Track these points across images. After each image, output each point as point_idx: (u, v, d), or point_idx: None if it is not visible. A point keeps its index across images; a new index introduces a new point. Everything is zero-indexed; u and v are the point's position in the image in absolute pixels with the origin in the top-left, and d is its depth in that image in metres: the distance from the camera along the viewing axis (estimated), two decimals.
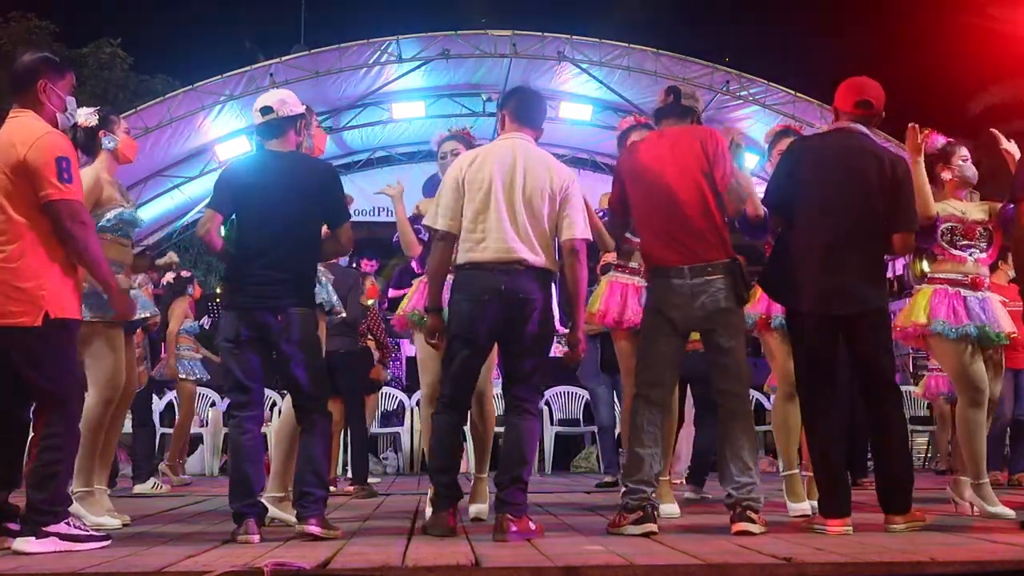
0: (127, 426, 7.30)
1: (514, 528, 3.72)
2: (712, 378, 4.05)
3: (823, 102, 11.97)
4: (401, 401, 9.68)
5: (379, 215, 13.67)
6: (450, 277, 4.06)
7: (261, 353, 3.94)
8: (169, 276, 8.13)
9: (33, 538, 3.45)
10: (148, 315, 4.67)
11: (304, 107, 4.26)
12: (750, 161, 11.59)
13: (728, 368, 3.97)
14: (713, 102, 11.95)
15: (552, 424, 9.46)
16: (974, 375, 4.54)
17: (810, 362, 4.04)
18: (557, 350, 5.19)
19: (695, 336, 4.24)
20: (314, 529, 3.74)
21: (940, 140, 4.79)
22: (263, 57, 13.01)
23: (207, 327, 8.55)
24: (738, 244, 4.11)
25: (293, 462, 4.41)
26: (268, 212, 3.95)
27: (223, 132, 12.56)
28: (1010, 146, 4.68)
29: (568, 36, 12.39)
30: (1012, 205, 4.23)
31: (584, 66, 12.51)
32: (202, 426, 9.46)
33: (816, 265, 3.96)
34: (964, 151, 4.78)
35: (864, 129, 4.11)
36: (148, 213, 12.81)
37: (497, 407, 6.98)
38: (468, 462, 6.31)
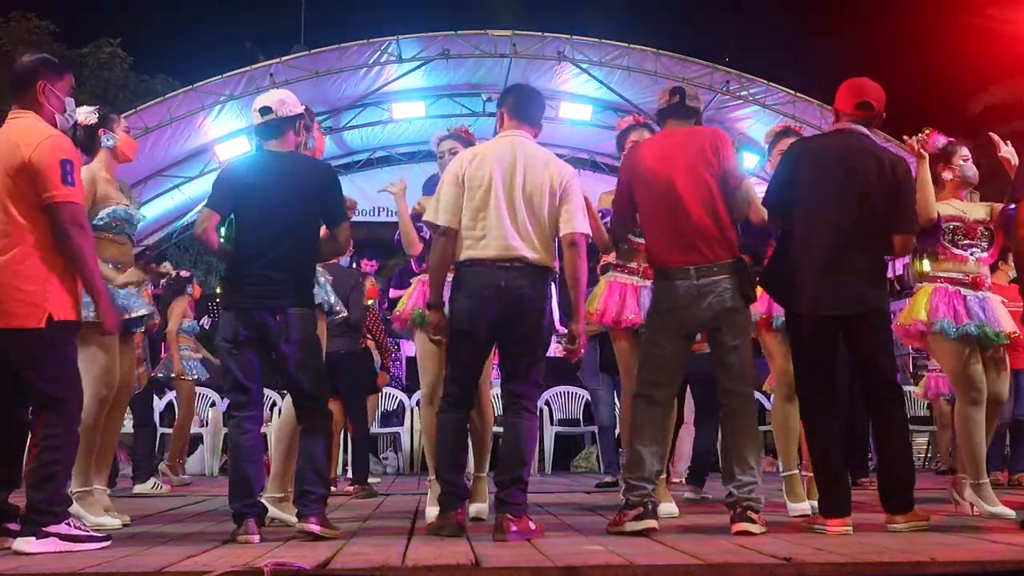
0: (128, 426, 7.32)
1: (514, 528, 3.72)
2: (717, 377, 4.05)
3: (823, 102, 11.96)
4: (401, 401, 9.68)
5: (379, 215, 13.67)
6: (450, 275, 4.07)
7: (260, 353, 3.94)
8: (169, 276, 8.15)
9: (33, 538, 3.45)
10: (144, 313, 4.66)
11: (303, 107, 4.27)
12: (750, 161, 11.63)
13: (733, 367, 3.98)
14: (713, 102, 11.94)
15: (552, 424, 9.46)
16: (973, 375, 4.54)
17: (809, 362, 4.05)
18: (557, 350, 5.19)
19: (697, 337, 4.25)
20: (314, 527, 3.74)
21: (941, 140, 4.79)
22: (263, 57, 13.00)
23: (207, 327, 8.55)
24: (740, 245, 4.12)
25: (293, 462, 4.41)
26: (267, 212, 3.95)
27: (223, 132, 12.55)
28: (1008, 152, 4.67)
29: (568, 36, 12.38)
30: (1013, 206, 4.23)
31: (584, 66, 12.50)
32: (202, 426, 9.46)
33: (816, 266, 3.96)
34: (965, 151, 4.79)
35: (865, 130, 4.11)
36: (148, 213, 12.78)
37: (496, 407, 6.99)
38: (468, 461, 6.31)
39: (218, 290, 9.25)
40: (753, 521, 3.78)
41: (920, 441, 10.09)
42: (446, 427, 4.00)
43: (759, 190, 4.38)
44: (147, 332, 5.55)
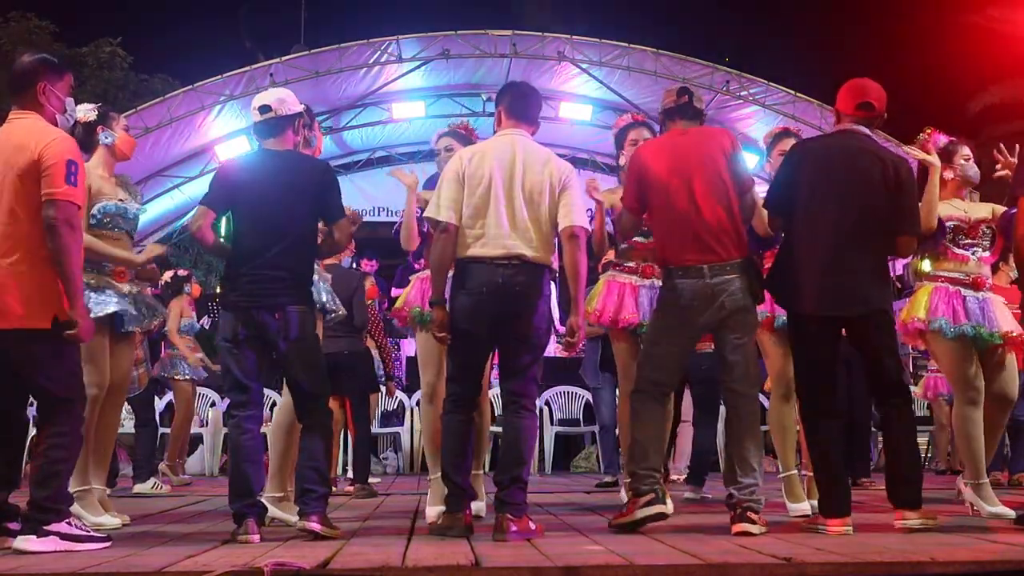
0: (128, 426, 7.32)
1: (514, 528, 3.72)
2: (720, 376, 4.06)
3: (823, 102, 11.96)
4: (401, 401, 9.68)
5: (379, 215, 13.67)
6: (450, 273, 4.07)
7: (259, 352, 3.94)
8: (167, 275, 8.16)
9: (34, 536, 3.45)
10: (157, 321, 4.69)
11: (303, 106, 4.27)
12: (750, 161, 11.59)
13: (737, 367, 4.00)
14: (713, 102, 11.93)
15: (552, 424, 9.46)
16: (970, 375, 4.55)
17: (811, 363, 4.05)
18: (557, 349, 5.19)
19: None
20: (315, 526, 3.74)
21: (942, 139, 4.79)
22: (263, 57, 13.00)
23: (207, 327, 8.55)
24: None
25: (290, 461, 4.42)
26: (265, 210, 3.95)
27: (223, 132, 12.55)
28: (1003, 174, 4.67)
29: (568, 36, 12.39)
30: (1013, 210, 4.24)
31: (584, 66, 12.51)
32: (202, 426, 9.46)
33: (819, 267, 3.96)
34: (966, 150, 4.79)
35: (866, 131, 4.10)
36: (148, 213, 12.80)
37: (495, 407, 6.99)
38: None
39: (218, 290, 9.26)
40: (753, 521, 3.79)
41: (920, 441, 10.07)
42: (450, 429, 3.99)
43: (760, 190, 4.39)
44: (147, 333, 5.55)
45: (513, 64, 12.44)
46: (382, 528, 4.29)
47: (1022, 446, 7.60)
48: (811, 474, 4.74)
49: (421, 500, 5.21)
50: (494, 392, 6.62)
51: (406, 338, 10.17)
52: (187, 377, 8.02)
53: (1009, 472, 7.52)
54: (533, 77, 12.62)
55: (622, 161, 4.82)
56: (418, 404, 8.96)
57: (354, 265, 7.90)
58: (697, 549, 3.27)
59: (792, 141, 4.83)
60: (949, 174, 4.71)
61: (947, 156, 4.72)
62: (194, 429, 8.84)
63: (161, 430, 8.26)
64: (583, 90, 13.07)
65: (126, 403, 5.80)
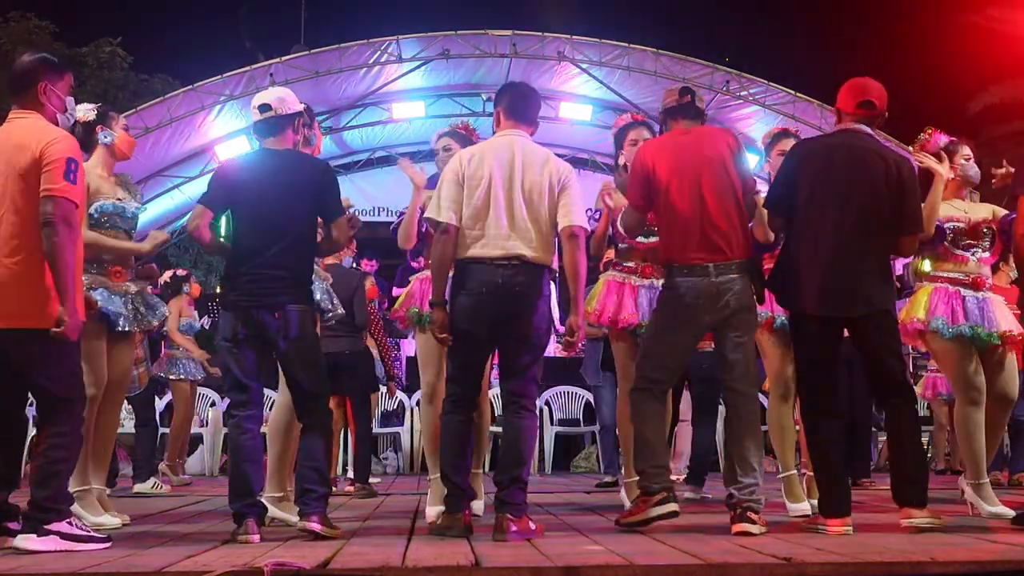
0: (128, 425, 7.33)
1: (514, 528, 3.73)
2: (721, 375, 4.07)
3: (823, 102, 11.96)
4: (401, 401, 9.68)
5: (379, 215, 13.67)
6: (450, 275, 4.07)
7: (259, 352, 3.94)
8: (167, 275, 8.17)
9: (34, 535, 3.46)
10: (157, 321, 4.70)
11: (303, 105, 4.27)
12: (750, 161, 11.62)
13: (738, 366, 4.01)
14: (713, 102, 11.93)
15: (552, 424, 9.46)
16: (970, 375, 4.55)
17: (812, 363, 4.04)
18: (557, 349, 5.20)
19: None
20: (315, 526, 3.74)
21: (942, 139, 4.79)
22: (263, 57, 13.00)
23: (207, 327, 8.56)
24: None
25: (288, 460, 4.42)
26: (264, 209, 3.95)
27: (223, 132, 12.56)
28: (1004, 175, 4.67)
29: (568, 36, 12.39)
30: (1013, 215, 4.24)
31: (584, 66, 12.51)
32: (202, 426, 9.46)
33: (822, 267, 3.94)
34: (967, 150, 4.78)
35: (868, 130, 4.09)
36: (148, 213, 12.80)
37: (495, 407, 6.99)
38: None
39: (218, 290, 9.27)
40: (753, 521, 3.79)
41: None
42: (450, 429, 3.99)
43: (759, 190, 4.40)
44: (147, 331, 5.55)
45: (513, 64, 12.44)
46: (382, 528, 4.29)
47: (1022, 446, 7.60)
48: (810, 473, 4.75)
49: (421, 500, 5.21)
50: (494, 392, 6.62)
51: (406, 338, 10.18)
52: (185, 377, 8.03)
53: (1009, 472, 7.52)
54: (533, 77, 12.62)
55: (621, 161, 4.81)
56: (418, 404, 8.96)
57: (354, 265, 7.90)
58: (697, 549, 3.27)
59: (791, 141, 4.83)
60: (950, 174, 4.71)
61: (948, 156, 4.72)
62: (194, 429, 8.85)
63: (161, 430, 8.27)
64: (583, 90, 13.07)
65: (126, 403, 5.81)
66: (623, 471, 4.92)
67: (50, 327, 3.50)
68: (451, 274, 4.03)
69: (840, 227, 3.94)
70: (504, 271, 3.88)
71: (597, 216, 4.72)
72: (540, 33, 12.37)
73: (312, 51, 12.37)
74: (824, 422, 4.00)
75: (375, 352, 7.77)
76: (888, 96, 4.16)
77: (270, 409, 5.11)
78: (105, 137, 4.63)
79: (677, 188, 4.05)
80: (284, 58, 12.18)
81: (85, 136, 4.54)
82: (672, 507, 3.95)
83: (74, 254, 3.59)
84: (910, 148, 4.86)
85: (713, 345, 4.20)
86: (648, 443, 4.05)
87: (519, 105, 4.16)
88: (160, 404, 8.42)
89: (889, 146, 4.28)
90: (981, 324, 4.54)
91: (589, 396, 9.35)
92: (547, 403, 9.35)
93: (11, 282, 3.53)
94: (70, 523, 3.55)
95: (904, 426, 3.97)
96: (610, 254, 5.00)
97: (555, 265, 4.08)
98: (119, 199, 4.57)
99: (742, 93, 12.49)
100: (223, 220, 4.51)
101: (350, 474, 7.02)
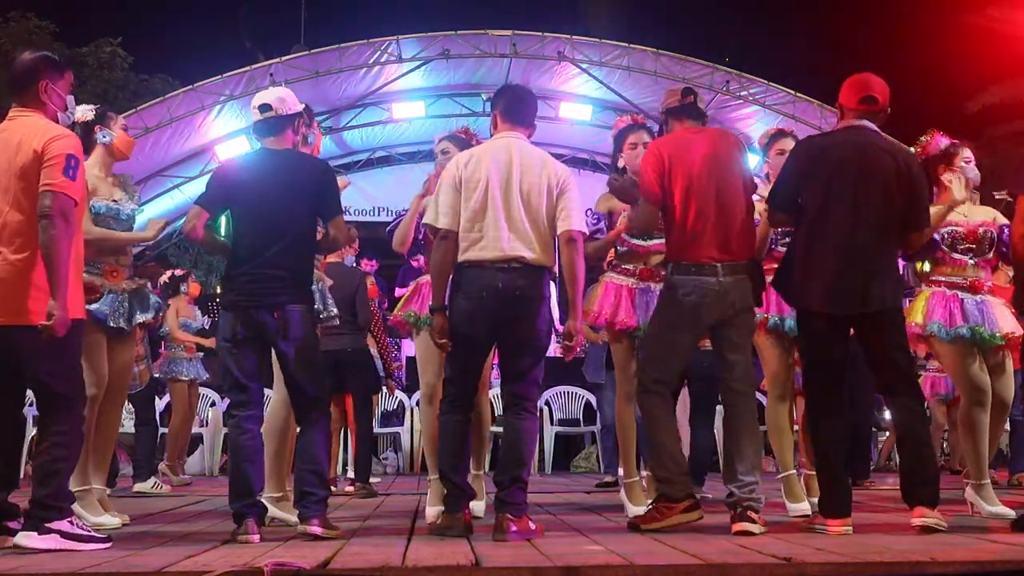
0: (128, 425, 7.33)
1: (514, 528, 3.73)
2: (720, 375, 4.08)
3: (823, 102, 11.97)
4: (401, 401, 9.69)
5: (379, 215, 13.69)
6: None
7: (259, 352, 3.94)
8: (165, 275, 8.18)
9: (35, 533, 3.46)
10: (150, 317, 4.69)
11: (303, 106, 4.27)
12: (750, 161, 11.64)
13: (739, 366, 4.02)
14: (713, 102, 11.94)
15: (552, 424, 9.47)
16: (974, 376, 4.56)
17: (821, 362, 4.01)
18: (557, 349, 5.19)
19: None
20: (316, 529, 3.74)
21: (943, 141, 4.79)
22: (263, 57, 13.01)
23: (206, 327, 8.58)
24: None
25: (284, 460, 4.42)
26: (263, 209, 3.94)
27: (223, 132, 12.57)
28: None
29: (568, 36, 12.40)
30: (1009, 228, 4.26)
31: (584, 66, 12.51)
32: (202, 426, 9.47)
33: (835, 264, 3.91)
34: (967, 152, 4.78)
35: (873, 126, 4.05)
36: (148, 213, 12.78)
37: (496, 407, 6.99)
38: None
39: (218, 289, 9.27)
40: (753, 521, 3.79)
41: None
42: (447, 429, 4.00)
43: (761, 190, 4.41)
44: (145, 327, 5.56)
45: (513, 64, 12.44)
46: (382, 528, 4.29)
47: (1022, 446, 7.61)
48: (808, 472, 4.76)
49: (421, 500, 5.21)
50: (494, 392, 6.62)
51: (406, 338, 10.18)
52: (183, 378, 8.04)
53: (1009, 472, 7.52)
54: (533, 77, 12.63)
55: (620, 163, 4.81)
56: (418, 404, 8.97)
57: (355, 265, 7.91)
58: (697, 549, 3.27)
59: (789, 140, 4.83)
60: (949, 176, 4.71)
61: (948, 159, 4.71)
62: (194, 429, 8.86)
63: (161, 430, 8.28)
64: (583, 90, 13.08)
65: (126, 402, 5.80)
66: (622, 471, 4.92)
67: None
68: (451, 277, 4.04)
69: (853, 225, 3.91)
70: (504, 274, 3.88)
71: (597, 218, 4.72)
72: (540, 33, 12.37)
73: (312, 51, 12.38)
74: (827, 421, 3.99)
75: (374, 351, 7.78)
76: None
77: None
78: (104, 137, 4.63)
79: (690, 186, 4.04)
80: (284, 58, 12.19)
81: (84, 136, 4.53)
82: (698, 514, 3.98)
83: (70, 250, 3.58)
84: (912, 150, 4.86)
85: (711, 344, 4.21)
86: (667, 449, 4.04)
87: (516, 107, 4.16)
88: (160, 404, 8.43)
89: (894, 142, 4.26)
90: (982, 325, 4.54)
91: (589, 396, 9.36)
92: (547, 403, 9.36)
93: (15, 279, 3.54)
94: (71, 522, 3.55)
95: (916, 424, 3.93)
96: (610, 255, 4.99)
97: (555, 266, 4.07)
98: (115, 200, 4.56)
99: (742, 93, 12.50)
100: (223, 220, 4.51)
101: (350, 474, 7.02)
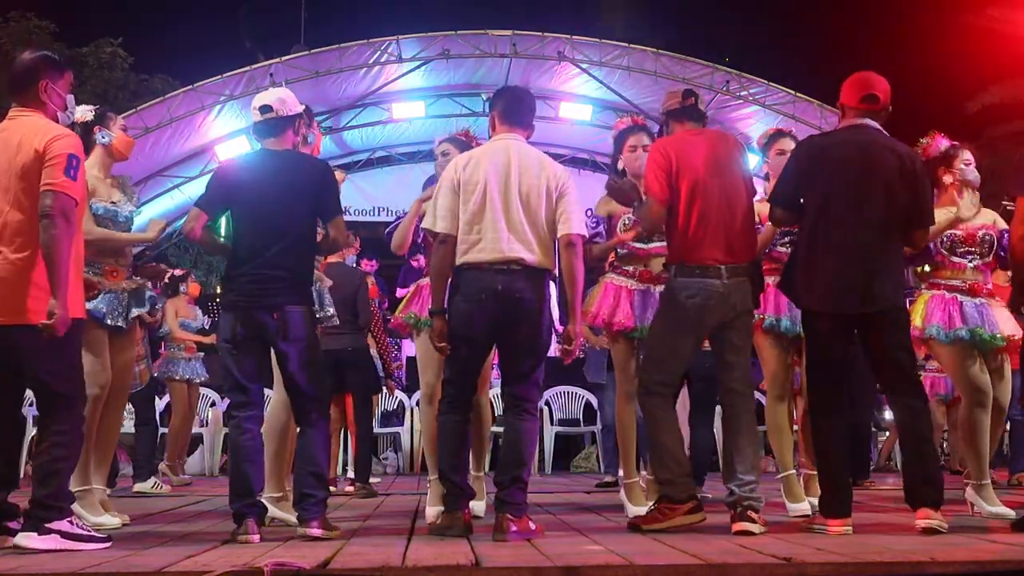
0: (128, 425, 7.33)
1: (514, 528, 3.73)
2: (719, 376, 4.09)
3: (823, 102, 11.97)
4: (401, 401, 9.68)
5: (379, 215, 13.69)
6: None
7: (259, 353, 3.94)
8: (165, 276, 8.18)
9: (35, 534, 3.46)
10: (145, 311, 4.68)
11: (303, 106, 4.27)
12: (750, 162, 11.64)
13: (739, 367, 4.04)
14: (713, 102, 11.93)
15: (552, 424, 9.47)
16: (975, 377, 4.56)
17: (825, 362, 3.99)
18: (557, 349, 5.20)
19: None
20: (316, 532, 3.73)
21: (943, 143, 4.79)
22: (263, 57, 13.01)
23: (206, 327, 8.59)
24: None
25: (284, 460, 4.41)
26: (262, 210, 3.94)
27: (223, 132, 12.56)
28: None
29: (568, 36, 12.39)
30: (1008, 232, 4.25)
31: (584, 66, 12.51)
32: (202, 426, 9.47)
33: (835, 264, 3.90)
34: (967, 154, 4.77)
35: (876, 124, 4.04)
36: (148, 213, 12.77)
37: (496, 407, 6.99)
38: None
39: (218, 289, 9.27)
40: (753, 521, 3.79)
41: None
42: (446, 429, 4.00)
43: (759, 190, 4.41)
44: (145, 325, 5.55)
45: (513, 64, 12.44)
46: (382, 528, 4.29)
47: (1022, 446, 7.60)
48: (807, 472, 4.76)
49: (421, 500, 5.21)
50: (494, 392, 6.62)
51: (406, 338, 10.18)
52: (182, 378, 8.05)
53: (1009, 472, 7.52)
54: (533, 77, 12.63)
55: (620, 165, 4.81)
56: (418, 404, 8.96)
57: (356, 265, 7.91)
58: (697, 549, 3.27)
59: (788, 140, 4.84)
60: (948, 178, 4.71)
61: (947, 160, 4.71)
62: (194, 429, 8.86)
63: (161, 430, 8.28)
64: (583, 90, 13.07)
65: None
66: (622, 472, 4.92)
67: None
68: (450, 279, 4.04)
69: (855, 224, 3.89)
70: (503, 276, 3.88)
71: (596, 221, 4.73)
72: (540, 33, 12.37)
73: (312, 51, 12.38)
74: (828, 421, 3.98)
75: (373, 352, 7.78)
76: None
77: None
78: (103, 138, 4.62)
79: (695, 188, 4.04)
80: (284, 58, 12.19)
81: (83, 137, 4.53)
82: (701, 516, 3.99)
83: (70, 249, 3.58)
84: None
85: (709, 346, 4.21)
86: (669, 451, 4.05)
87: (514, 109, 4.16)
88: (160, 404, 8.44)
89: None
90: (982, 326, 4.54)
91: (589, 396, 9.36)
92: (547, 403, 9.36)
93: (16, 278, 3.54)
94: (71, 522, 3.55)
95: (919, 424, 3.91)
96: (611, 257, 4.99)
97: (555, 267, 4.08)
98: (113, 202, 4.56)
99: (742, 93, 12.50)
100: (223, 220, 4.50)
101: (350, 474, 7.02)
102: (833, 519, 3.83)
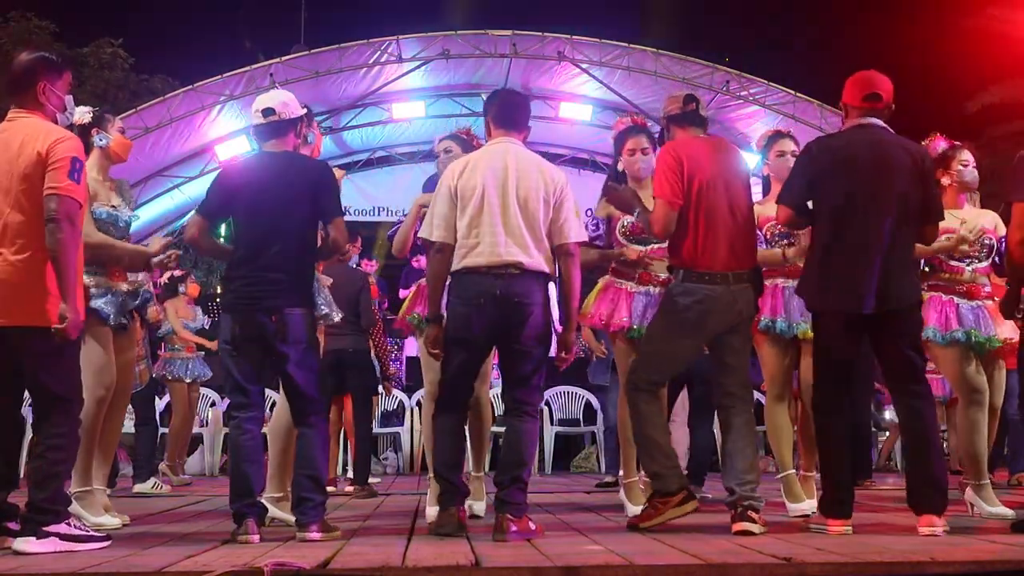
0: (129, 425, 7.33)
1: (514, 528, 3.73)
2: (718, 378, 4.10)
3: (823, 102, 11.96)
4: (401, 401, 9.68)
5: (379, 215, 13.69)
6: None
7: (258, 354, 3.93)
8: (164, 276, 8.19)
9: (33, 538, 3.45)
10: (137, 304, 4.69)
11: (305, 108, 4.27)
12: (749, 162, 11.63)
13: (740, 371, 4.07)
14: (713, 102, 11.92)
15: (552, 424, 9.47)
16: (971, 378, 4.57)
17: (833, 362, 3.97)
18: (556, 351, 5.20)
19: None
20: (315, 535, 3.73)
21: (941, 144, 4.79)
22: (263, 57, 13.00)
23: (206, 327, 8.59)
24: None
25: (289, 461, 4.41)
26: (262, 212, 3.94)
27: (223, 132, 12.55)
28: None
29: (568, 36, 12.37)
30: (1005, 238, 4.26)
31: (584, 66, 12.50)
32: (202, 426, 9.47)
33: (855, 263, 3.86)
34: (965, 155, 4.76)
35: (882, 123, 4.02)
36: (148, 213, 12.81)
37: (497, 407, 7.00)
38: (467, 460, 6.32)
39: (219, 290, 9.27)
40: (753, 521, 3.79)
41: None
42: (443, 429, 4.02)
43: (756, 191, 4.42)
44: (145, 323, 5.55)
45: (513, 64, 12.43)
46: (382, 528, 4.29)
47: (1021, 446, 7.60)
48: (805, 474, 4.76)
49: (421, 500, 5.21)
50: (495, 392, 6.62)
51: (407, 338, 10.18)
52: (182, 378, 8.05)
53: (1009, 472, 7.52)
54: (533, 77, 12.63)
55: (620, 167, 4.81)
56: (418, 404, 8.97)
57: (356, 265, 7.90)
58: (697, 549, 3.27)
59: (788, 142, 4.85)
60: (947, 180, 4.70)
61: (945, 161, 4.71)
62: (194, 429, 8.87)
63: (161, 430, 8.29)
64: (583, 90, 13.06)
65: None
66: (623, 471, 4.92)
67: (53, 325, 3.51)
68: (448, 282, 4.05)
69: (875, 224, 3.86)
70: (501, 281, 3.87)
71: (596, 223, 4.74)
72: (540, 33, 12.35)
73: (312, 51, 12.36)
74: (831, 421, 3.98)
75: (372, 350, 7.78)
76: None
77: (270, 410, 5.11)
78: (100, 140, 4.61)
79: (703, 194, 4.04)
80: (284, 58, 12.18)
81: (81, 139, 4.53)
82: (694, 505, 4.02)
83: (76, 252, 3.59)
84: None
85: (708, 349, 4.22)
86: (657, 444, 4.07)
87: (507, 113, 4.16)
88: (160, 404, 8.44)
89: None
90: (978, 329, 4.55)
91: (589, 396, 9.36)
92: (547, 403, 9.35)
93: (16, 280, 3.54)
94: (69, 524, 3.55)
95: (926, 426, 3.88)
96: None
97: (554, 269, 4.08)
98: (114, 206, 4.56)
99: (742, 93, 12.48)
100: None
101: (350, 474, 7.02)
102: (833, 519, 3.83)
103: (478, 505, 4.66)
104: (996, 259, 4.72)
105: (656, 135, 4.69)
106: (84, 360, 4.21)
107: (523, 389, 3.99)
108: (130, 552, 3.44)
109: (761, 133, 5.34)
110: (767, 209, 4.68)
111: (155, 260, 4.54)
